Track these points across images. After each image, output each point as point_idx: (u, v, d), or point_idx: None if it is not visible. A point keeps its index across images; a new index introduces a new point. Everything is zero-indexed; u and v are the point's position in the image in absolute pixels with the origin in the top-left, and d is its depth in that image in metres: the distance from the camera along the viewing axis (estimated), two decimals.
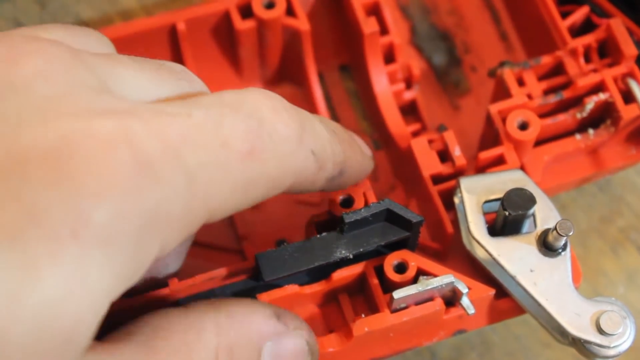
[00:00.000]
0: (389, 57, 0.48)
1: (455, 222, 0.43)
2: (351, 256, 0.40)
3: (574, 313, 0.40)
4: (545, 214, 0.41)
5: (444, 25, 0.51)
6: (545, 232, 0.40)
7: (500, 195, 0.41)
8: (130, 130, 0.30)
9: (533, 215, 0.41)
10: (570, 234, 0.39)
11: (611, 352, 0.40)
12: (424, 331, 0.42)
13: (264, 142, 0.33)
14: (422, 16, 0.51)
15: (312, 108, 0.49)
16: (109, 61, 0.33)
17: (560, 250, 0.40)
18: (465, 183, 0.42)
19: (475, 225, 0.41)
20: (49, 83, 0.30)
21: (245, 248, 0.46)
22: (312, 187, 0.37)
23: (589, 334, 0.40)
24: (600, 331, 0.39)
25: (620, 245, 0.50)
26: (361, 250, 0.40)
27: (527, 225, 0.41)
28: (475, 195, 0.41)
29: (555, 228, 0.39)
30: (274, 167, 0.34)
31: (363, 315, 0.40)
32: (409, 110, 0.49)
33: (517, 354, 0.48)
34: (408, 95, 0.49)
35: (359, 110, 0.50)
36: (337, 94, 0.50)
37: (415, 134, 0.47)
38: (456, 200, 0.43)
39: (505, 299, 0.42)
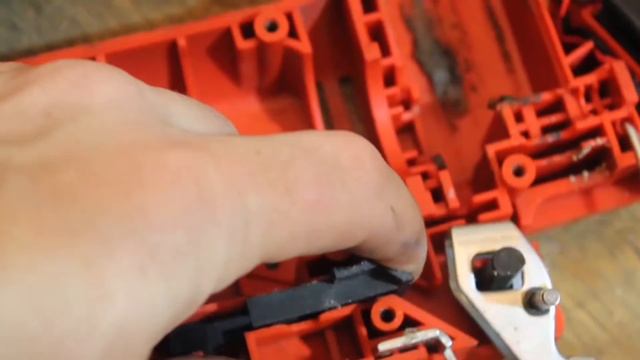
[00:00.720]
0: (389, 79, 0.47)
1: (443, 265, 0.44)
2: (339, 307, 0.41)
3: None
4: (533, 273, 0.41)
5: (447, 40, 0.51)
6: (532, 292, 0.41)
7: (491, 248, 0.41)
8: (199, 164, 0.29)
9: (522, 272, 0.41)
10: (557, 303, 0.39)
11: None
12: None
13: (335, 191, 0.32)
14: (425, 29, 0.51)
15: (308, 119, 0.49)
16: (162, 95, 0.33)
17: (545, 311, 0.41)
18: (458, 234, 0.42)
19: (464, 279, 0.42)
20: (121, 111, 0.30)
21: None
22: (387, 248, 0.36)
23: None
24: None
25: (617, 248, 0.50)
26: (349, 301, 0.41)
27: (515, 280, 0.42)
28: (467, 248, 0.42)
29: (542, 295, 0.39)
30: (344, 219, 0.32)
31: None
32: (407, 131, 0.49)
33: None
34: (406, 116, 0.48)
35: (357, 125, 0.50)
36: (335, 106, 0.50)
37: (411, 162, 0.47)
38: (446, 245, 0.43)
39: (486, 346, 0.43)
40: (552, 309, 0.41)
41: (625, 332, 0.49)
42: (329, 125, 0.50)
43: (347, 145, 0.33)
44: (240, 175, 0.30)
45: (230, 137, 0.32)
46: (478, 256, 0.42)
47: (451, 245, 0.42)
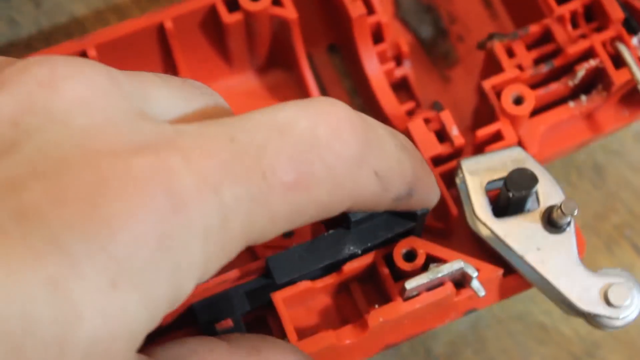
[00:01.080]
0: (377, 36, 0.48)
1: (458, 200, 0.44)
2: (360, 252, 0.41)
3: (582, 288, 0.40)
4: (548, 191, 0.42)
5: None
6: (550, 210, 0.41)
7: (502, 174, 0.42)
8: (168, 166, 0.29)
9: (536, 192, 0.42)
10: (575, 214, 0.39)
11: (619, 323, 0.40)
12: (436, 315, 0.43)
13: (313, 168, 0.31)
14: None
15: (303, 91, 0.49)
16: (139, 80, 0.32)
17: (565, 227, 0.41)
18: (467, 165, 0.42)
19: (481, 208, 0.42)
20: (87, 112, 0.29)
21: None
22: (376, 208, 0.36)
23: (598, 308, 0.40)
24: (609, 304, 0.40)
25: (614, 242, 0.50)
26: (369, 245, 0.41)
27: (530, 202, 0.42)
28: (478, 176, 0.42)
29: (559, 208, 0.40)
30: (325, 193, 0.32)
31: (376, 306, 0.41)
32: (401, 86, 0.49)
33: (511, 351, 0.48)
34: (399, 72, 0.49)
35: (351, 89, 0.50)
36: (327, 75, 0.50)
37: (410, 112, 0.47)
38: (457, 180, 0.43)
39: (513, 276, 0.43)
40: (572, 223, 0.41)
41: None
42: (323, 93, 0.50)
43: (324, 118, 0.32)
44: (213, 169, 0.29)
45: (204, 126, 0.31)
46: (490, 184, 0.42)
47: (463, 178, 0.42)
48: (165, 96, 0.33)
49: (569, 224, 0.41)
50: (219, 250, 0.30)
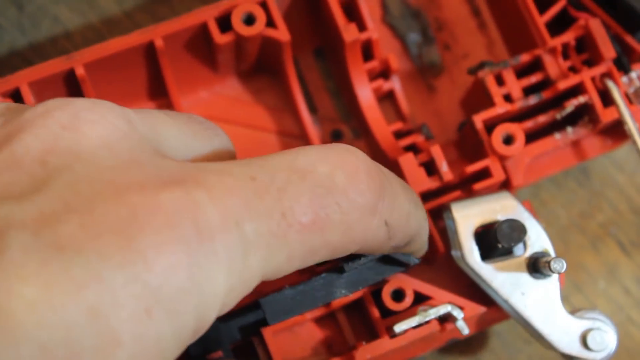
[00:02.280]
0: (368, 53, 0.47)
1: (444, 236, 0.45)
2: (350, 294, 0.42)
3: (562, 332, 0.42)
4: (534, 238, 0.43)
5: (415, 1, 0.51)
6: (536, 257, 0.42)
7: (491, 219, 0.43)
8: (194, 200, 0.30)
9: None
10: (563, 271, 0.41)
11: None
12: (419, 346, 0.44)
13: (329, 212, 0.33)
14: None
15: (288, 96, 0.49)
16: (151, 123, 0.33)
17: (549, 274, 0.42)
18: (457, 209, 0.43)
19: (469, 252, 0.43)
20: (112, 153, 0.30)
21: None
22: (377, 252, 0.37)
23: (576, 351, 0.42)
24: (587, 347, 0.42)
25: (600, 241, 0.51)
26: (360, 288, 0.42)
27: (516, 247, 0.43)
28: (467, 220, 0.43)
29: (548, 263, 0.41)
30: (338, 236, 0.33)
31: (364, 343, 0.43)
32: (386, 97, 0.49)
33: (498, 350, 0.50)
34: (387, 86, 0.49)
35: (335, 94, 0.50)
36: (313, 78, 0.50)
37: (398, 134, 0.47)
38: (445, 216, 0.44)
39: (494, 308, 0.44)
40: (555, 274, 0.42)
41: None
42: (308, 98, 0.50)
43: (343, 165, 0.33)
44: (236, 204, 0.31)
45: (225, 165, 0.32)
46: (480, 228, 0.43)
47: (452, 219, 0.43)
48: (176, 136, 0.34)
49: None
50: (240, 282, 0.31)
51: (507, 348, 0.50)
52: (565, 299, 0.50)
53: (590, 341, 0.42)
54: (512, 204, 0.43)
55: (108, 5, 0.51)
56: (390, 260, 0.42)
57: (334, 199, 0.33)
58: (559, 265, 0.41)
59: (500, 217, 0.43)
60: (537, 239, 0.43)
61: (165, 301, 0.29)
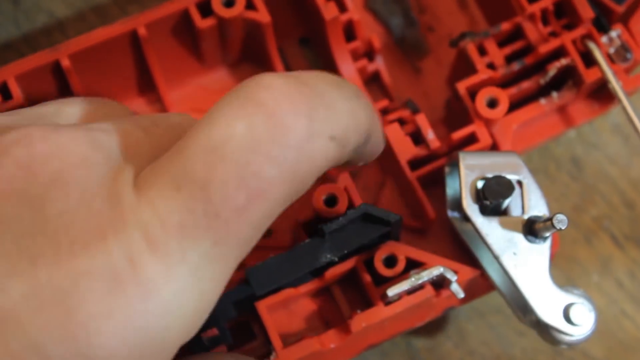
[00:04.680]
0: (350, 34, 0.48)
1: (434, 202, 0.45)
2: (337, 259, 0.42)
3: (547, 300, 0.41)
4: (534, 202, 0.42)
5: None
6: (533, 220, 0.42)
7: (495, 174, 0.42)
8: (132, 255, 0.29)
9: (522, 199, 0.43)
10: (564, 227, 0.40)
11: (571, 340, 0.42)
12: (416, 315, 0.44)
13: (261, 174, 0.30)
14: None
15: None
16: (120, 137, 0.32)
17: (544, 238, 0.42)
18: (466, 159, 0.42)
19: (469, 203, 0.42)
20: (63, 194, 0.30)
21: None
22: (339, 164, 0.34)
23: (557, 322, 0.41)
24: (569, 320, 0.41)
25: (593, 234, 0.51)
26: (345, 252, 0.42)
27: (514, 207, 0.43)
28: (472, 172, 0.42)
29: (549, 220, 0.40)
30: (284, 187, 0.31)
31: (359, 311, 0.42)
32: (373, 80, 0.50)
33: (492, 343, 0.49)
34: (371, 67, 0.49)
35: None
36: (299, 67, 0.51)
37: (384, 111, 0.48)
38: (446, 169, 0.44)
39: (486, 274, 0.44)
40: (549, 238, 0.42)
41: (602, 318, 0.49)
42: None
43: (258, 109, 0.30)
44: (171, 238, 0.30)
45: (149, 172, 0.31)
46: (480, 180, 0.42)
47: (456, 170, 0.43)
48: (142, 145, 0.33)
49: (548, 236, 0.42)
50: (200, 303, 0.31)
51: (500, 340, 0.49)
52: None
53: (573, 314, 0.41)
54: (518, 163, 0.43)
55: (103, 1, 0.51)
56: (372, 220, 0.41)
57: (262, 154, 0.30)
58: (561, 219, 0.40)
59: (505, 174, 0.42)
60: (537, 204, 0.43)
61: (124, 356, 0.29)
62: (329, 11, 0.46)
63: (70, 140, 0.31)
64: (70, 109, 0.36)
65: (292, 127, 0.30)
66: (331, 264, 0.42)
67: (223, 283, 0.32)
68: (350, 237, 0.42)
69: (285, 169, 0.31)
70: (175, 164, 0.31)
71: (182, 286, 0.30)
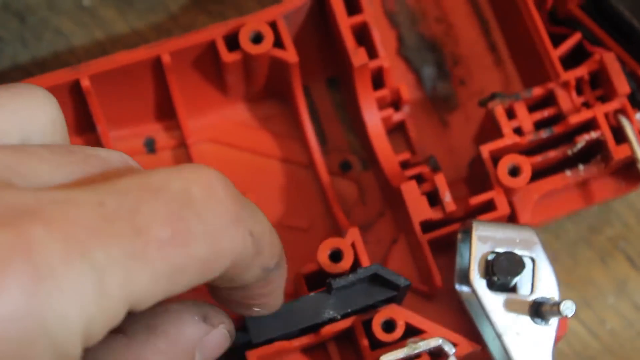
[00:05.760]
0: (378, 81, 0.47)
1: (442, 271, 0.44)
2: (339, 317, 0.41)
3: None
4: (544, 283, 0.41)
5: (432, 34, 0.50)
6: (541, 302, 0.40)
7: (507, 249, 0.41)
8: (30, 237, 0.28)
9: (532, 277, 0.41)
10: (571, 314, 0.39)
11: None
12: None
13: (190, 225, 0.31)
14: (409, 24, 0.50)
15: (298, 125, 0.48)
16: (14, 153, 0.32)
17: (550, 321, 0.40)
18: (479, 230, 0.41)
19: (477, 276, 0.41)
20: None
21: None
22: (247, 274, 0.35)
23: None
24: None
25: (609, 255, 0.50)
26: (349, 310, 0.40)
27: (523, 285, 0.41)
28: (484, 244, 0.41)
29: (558, 305, 0.39)
30: (204, 249, 0.32)
31: None
32: (397, 129, 0.49)
33: None
34: (397, 117, 0.48)
35: (347, 125, 0.49)
36: (324, 108, 0.49)
37: (404, 164, 0.46)
38: (459, 236, 0.43)
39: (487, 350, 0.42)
40: (556, 321, 0.41)
41: (618, 341, 0.49)
42: (319, 128, 0.49)
43: (198, 179, 0.32)
44: (80, 234, 0.29)
45: (71, 193, 0.30)
46: (492, 254, 0.41)
47: (468, 239, 0.41)
48: (41, 163, 0.32)
49: (552, 321, 0.41)
50: (100, 312, 0.30)
51: None
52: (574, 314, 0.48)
53: None
54: (533, 240, 0.41)
55: (110, 17, 0.51)
56: (381, 282, 0.40)
57: (193, 210, 0.31)
58: (569, 306, 0.39)
59: (517, 250, 0.41)
60: (547, 285, 0.41)
61: (9, 354, 0.28)
62: (359, 57, 0.45)
63: None
64: None
65: (224, 202, 0.32)
66: (332, 320, 0.41)
67: (112, 313, 0.31)
68: (355, 296, 0.41)
69: (210, 233, 0.32)
70: (101, 190, 0.31)
71: (80, 280, 0.29)
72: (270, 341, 0.41)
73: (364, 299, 0.41)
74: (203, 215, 0.31)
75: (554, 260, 0.46)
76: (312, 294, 0.41)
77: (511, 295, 0.41)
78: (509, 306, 0.41)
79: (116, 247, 0.30)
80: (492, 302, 0.41)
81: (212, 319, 0.37)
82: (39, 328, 0.28)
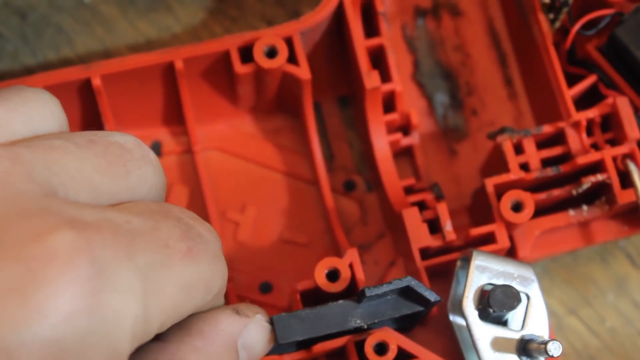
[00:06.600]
0: (389, 105, 0.47)
1: (439, 293, 0.43)
2: (365, 327, 0.40)
3: None
4: (535, 320, 0.41)
5: (448, 62, 0.50)
6: (529, 339, 0.40)
7: (504, 283, 0.41)
8: (88, 239, 0.30)
9: (525, 314, 0.41)
10: (557, 355, 0.39)
11: None
12: None
13: (197, 243, 0.34)
14: (427, 50, 0.50)
15: (305, 140, 0.48)
16: (44, 154, 0.32)
17: (537, 359, 0.40)
18: (478, 260, 0.41)
19: (470, 306, 0.41)
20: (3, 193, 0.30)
21: (228, 290, 0.46)
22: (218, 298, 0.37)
23: None
24: None
25: (609, 253, 0.49)
26: (376, 321, 0.40)
27: (515, 318, 0.41)
28: (482, 275, 0.41)
29: (545, 344, 0.39)
30: (207, 268, 0.34)
31: None
32: (405, 153, 0.48)
33: None
34: (405, 141, 0.48)
35: (355, 145, 0.49)
36: (333, 126, 0.49)
37: (408, 190, 0.46)
38: (459, 263, 0.43)
39: None
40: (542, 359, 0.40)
41: (618, 339, 0.49)
42: (327, 145, 0.49)
43: (184, 210, 0.35)
44: (123, 241, 0.31)
45: (102, 211, 0.32)
46: (488, 285, 0.41)
47: (467, 267, 0.41)
48: (76, 169, 0.33)
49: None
50: (145, 312, 0.31)
51: None
52: (573, 312, 0.49)
53: None
54: (530, 278, 0.41)
55: (111, 14, 0.51)
56: (411, 296, 0.40)
57: (195, 232, 0.34)
58: (556, 347, 0.39)
59: (515, 284, 0.41)
60: (538, 323, 0.41)
61: (71, 350, 0.29)
62: (371, 80, 0.45)
63: None
64: None
65: (211, 232, 0.35)
66: (358, 330, 0.41)
67: (164, 306, 0.32)
68: (384, 308, 0.40)
69: (211, 251, 0.34)
70: (126, 209, 0.33)
71: (130, 282, 0.31)
72: (295, 343, 0.41)
73: (392, 310, 0.40)
74: (202, 237, 0.34)
75: (553, 258, 0.46)
76: (340, 301, 0.40)
77: (501, 329, 0.41)
78: (497, 339, 0.41)
79: (151, 254, 0.32)
80: (482, 332, 0.41)
81: (245, 310, 0.38)
82: (98, 324, 0.29)
